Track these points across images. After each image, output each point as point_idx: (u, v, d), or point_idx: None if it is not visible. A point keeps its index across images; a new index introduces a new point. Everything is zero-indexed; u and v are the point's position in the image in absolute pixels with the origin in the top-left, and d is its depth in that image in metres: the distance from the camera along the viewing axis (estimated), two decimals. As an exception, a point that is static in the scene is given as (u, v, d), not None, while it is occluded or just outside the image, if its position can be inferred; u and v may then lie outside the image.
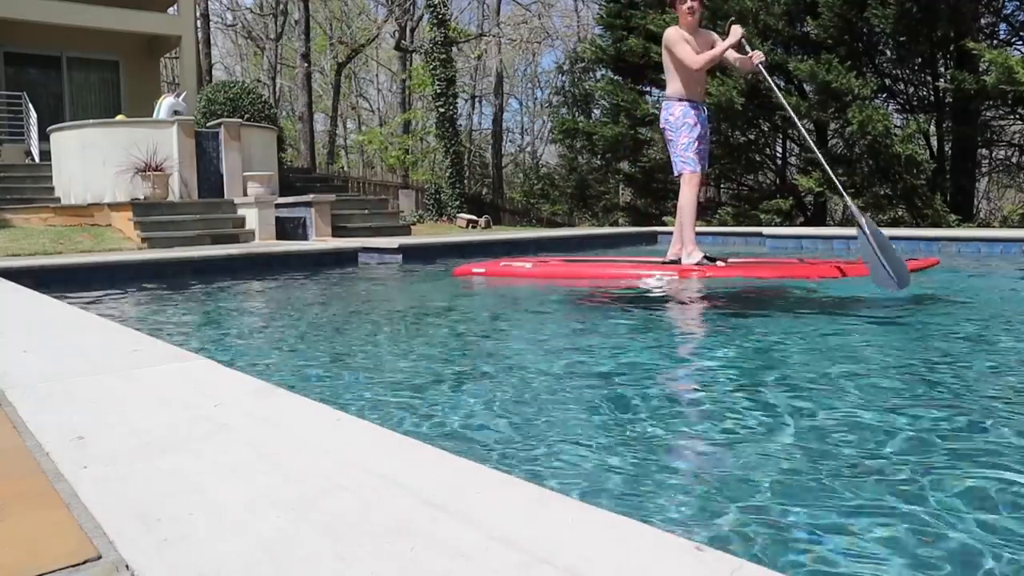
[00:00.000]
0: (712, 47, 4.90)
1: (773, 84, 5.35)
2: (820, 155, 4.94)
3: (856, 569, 1.12)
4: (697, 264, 4.85)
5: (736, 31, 4.80)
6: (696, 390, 2.28)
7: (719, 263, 4.86)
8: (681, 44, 4.84)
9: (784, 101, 5.24)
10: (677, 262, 4.97)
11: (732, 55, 4.95)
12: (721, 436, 1.77)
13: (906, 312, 3.63)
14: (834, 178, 4.81)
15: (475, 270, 5.22)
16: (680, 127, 4.92)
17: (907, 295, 3.92)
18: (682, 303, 4.23)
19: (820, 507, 1.34)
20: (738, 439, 1.74)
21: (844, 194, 4.70)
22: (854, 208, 4.29)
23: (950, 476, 1.47)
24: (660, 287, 4.58)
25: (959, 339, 2.95)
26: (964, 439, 1.72)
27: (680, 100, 4.94)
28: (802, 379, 2.28)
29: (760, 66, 4.74)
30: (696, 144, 4.91)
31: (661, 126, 5.12)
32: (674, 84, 4.97)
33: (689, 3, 4.84)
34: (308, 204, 9.50)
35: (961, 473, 1.49)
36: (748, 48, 4.84)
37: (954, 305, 3.84)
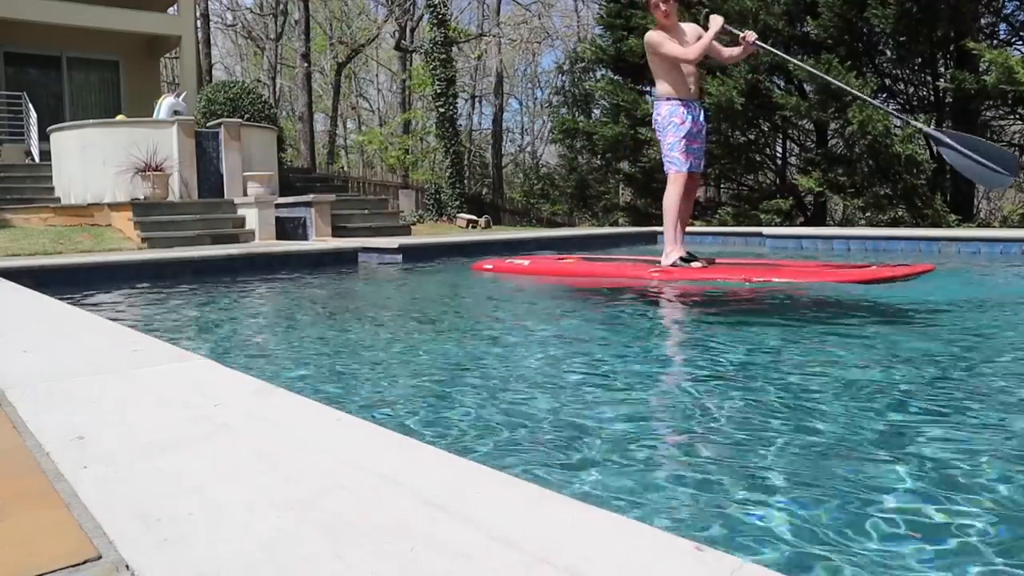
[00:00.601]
0: (698, 38, 4.85)
1: (779, 52, 5.33)
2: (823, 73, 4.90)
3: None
4: (672, 265, 4.83)
5: (716, 21, 4.74)
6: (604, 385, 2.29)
7: (695, 264, 4.80)
8: (668, 43, 4.78)
9: (790, 58, 5.26)
10: (689, 260, 4.94)
11: (727, 50, 4.91)
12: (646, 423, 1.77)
13: (913, 319, 3.63)
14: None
15: (486, 266, 5.70)
16: (666, 126, 4.87)
17: (905, 300, 3.91)
18: (620, 301, 4.28)
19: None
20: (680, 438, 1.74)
21: (910, 120, 4.46)
22: (926, 129, 4.19)
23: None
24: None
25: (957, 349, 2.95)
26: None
27: (668, 99, 4.87)
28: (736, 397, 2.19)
29: (757, 43, 4.76)
30: (683, 143, 4.82)
31: (652, 126, 5.12)
32: (661, 84, 4.91)
33: (663, 7, 4.79)
34: (308, 204, 9.50)
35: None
36: (737, 31, 4.82)
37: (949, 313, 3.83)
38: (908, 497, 1.38)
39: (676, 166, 4.85)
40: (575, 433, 1.77)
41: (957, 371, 2.38)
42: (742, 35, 4.76)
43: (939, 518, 1.29)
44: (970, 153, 3.74)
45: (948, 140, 3.90)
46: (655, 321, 3.77)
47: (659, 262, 4.98)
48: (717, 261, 5.05)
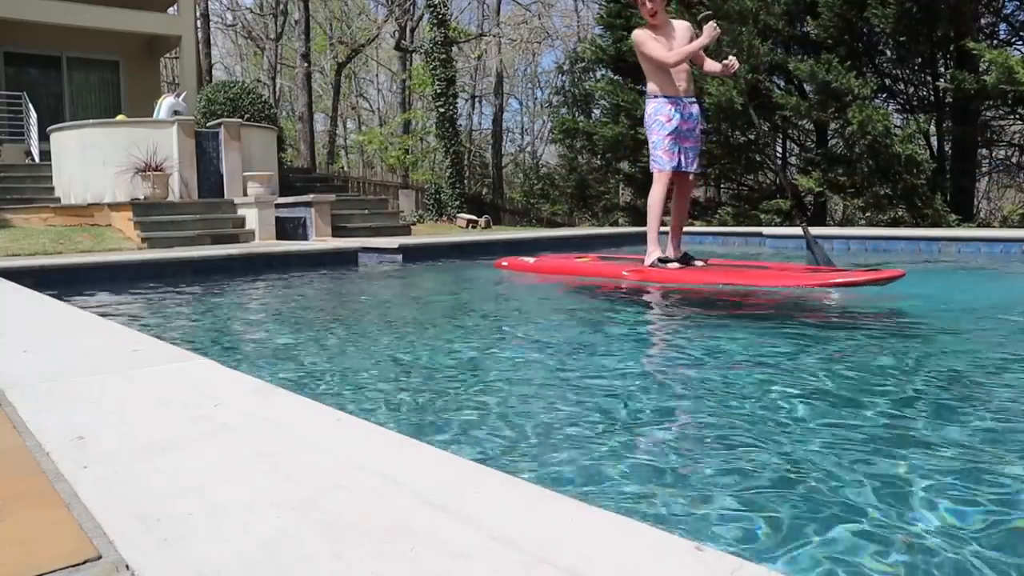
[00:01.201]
0: (690, 39, 4.80)
1: (751, 109, 5.39)
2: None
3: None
4: (651, 265, 4.81)
5: (709, 31, 4.67)
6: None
7: (672, 265, 4.78)
8: (651, 43, 4.74)
9: (753, 116, 5.42)
10: (666, 261, 4.93)
11: (709, 63, 4.86)
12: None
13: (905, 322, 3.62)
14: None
15: (503, 263, 6.09)
16: (652, 124, 4.83)
17: (878, 304, 3.89)
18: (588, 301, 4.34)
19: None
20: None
21: (799, 222, 4.78)
22: (806, 228, 4.99)
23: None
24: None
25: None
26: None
27: (656, 97, 4.82)
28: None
29: (737, 74, 4.82)
30: (667, 141, 4.75)
31: (643, 125, 5.11)
32: (650, 83, 4.88)
33: (649, 6, 4.75)
34: (308, 204, 9.50)
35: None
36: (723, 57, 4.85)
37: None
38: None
39: (659, 165, 4.79)
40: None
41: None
42: (727, 61, 4.73)
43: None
44: (817, 253, 4.84)
45: (813, 243, 4.89)
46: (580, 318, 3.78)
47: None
48: (710, 262, 5.04)
